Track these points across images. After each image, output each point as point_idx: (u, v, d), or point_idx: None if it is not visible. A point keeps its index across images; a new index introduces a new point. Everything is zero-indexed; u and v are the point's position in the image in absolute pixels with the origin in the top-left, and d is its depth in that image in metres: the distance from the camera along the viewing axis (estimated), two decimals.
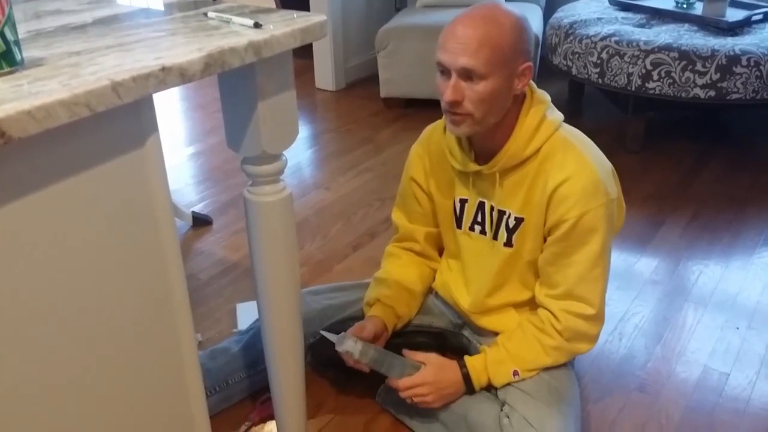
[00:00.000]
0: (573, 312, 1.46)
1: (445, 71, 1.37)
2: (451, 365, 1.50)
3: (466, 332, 1.72)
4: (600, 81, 2.90)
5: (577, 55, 2.96)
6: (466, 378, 1.50)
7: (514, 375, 1.48)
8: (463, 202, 1.57)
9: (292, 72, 1.16)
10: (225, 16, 1.12)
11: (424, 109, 3.39)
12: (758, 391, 1.73)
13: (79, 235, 0.92)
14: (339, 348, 1.51)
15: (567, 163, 1.41)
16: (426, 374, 1.48)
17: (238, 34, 1.05)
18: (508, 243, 1.52)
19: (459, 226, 1.60)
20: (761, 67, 2.65)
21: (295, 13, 1.16)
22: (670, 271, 2.20)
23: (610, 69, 2.84)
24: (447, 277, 1.69)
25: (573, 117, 1.50)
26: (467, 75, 1.34)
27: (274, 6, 4.37)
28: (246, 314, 1.98)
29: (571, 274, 1.44)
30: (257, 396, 1.68)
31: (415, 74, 3.37)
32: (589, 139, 1.49)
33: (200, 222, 2.49)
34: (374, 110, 3.52)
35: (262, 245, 1.26)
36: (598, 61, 2.87)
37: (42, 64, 0.93)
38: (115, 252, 0.98)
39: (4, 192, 0.83)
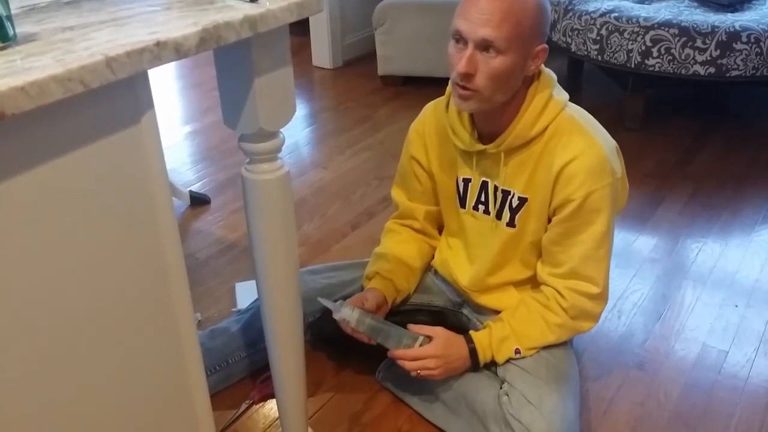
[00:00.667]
0: (578, 290, 1.46)
1: (461, 40, 1.33)
2: (459, 340, 1.50)
3: (466, 310, 1.72)
4: (599, 58, 2.87)
5: (576, 32, 2.93)
6: (473, 353, 1.49)
7: (515, 353, 1.48)
8: (466, 181, 1.56)
9: (288, 47, 1.14)
10: None
11: (423, 86, 3.37)
12: (756, 369, 1.73)
13: (74, 213, 0.91)
14: (336, 315, 1.50)
15: (573, 143, 1.40)
16: (436, 347, 1.47)
17: (233, 8, 1.03)
18: (511, 223, 1.51)
19: (463, 206, 1.59)
20: (761, 44, 2.62)
21: None
22: (669, 249, 2.20)
23: (609, 46, 2.81)
24: (447, 255, 1.68)
25: (572, 95, 1.48)
26: (485, 47, 1.31)
27: None
28: (245, 293, 1.97)
29: (576, 254, 1.44)
30: (257, 375, 1.68)
31: (413, 51, 3.34)
32: (593, 118, 1.47)
33: (198, 201, 2.48)
34: (372, 88, 3.49)
35: (260, 223, 1.25)
36: (598, 38, 2.84)
37: (35, 40, 0.91)
38: (112, 230, 0.97)
39: None
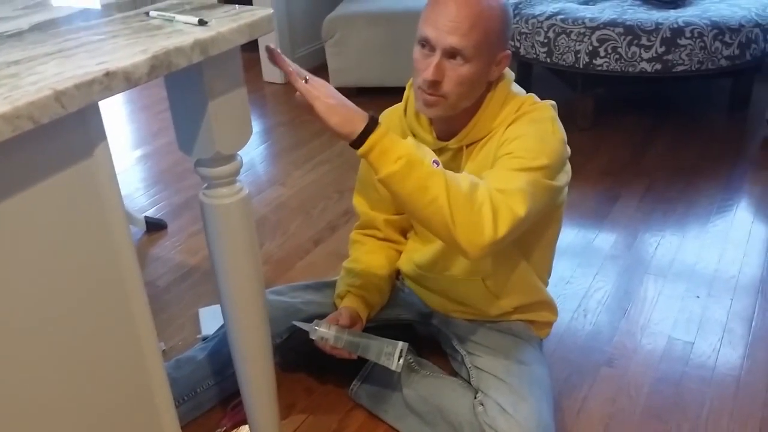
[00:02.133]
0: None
1: (428, 46, 1.32)
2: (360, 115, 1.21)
3: (435, 321, 1.71)
4: (548, 60, 2.91)
5: (524, 36, 2.97)
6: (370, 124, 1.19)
7: (434, 162, 1.26)
8: None
9: (241, 68, 1.13)
10: (167, 14, 1.08)
11: (377, 96, 3.35)
12: (722, 358, 1.76)
13: (29, 253, 0.88)
14: (313, 336, 1.48)
15: (524, 111, 1.40)
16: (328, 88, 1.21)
17: (182, 32, 1.01)
18: None
19: None
20: (704, 38, 2.69)
21: (238, 7, 1.12)
22: (628, 245, 2.23)
23: (557, 48, 2.85)
24: (413, 254, 1.67)
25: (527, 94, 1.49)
26: (452, 55, 1.31)
27: None
28: (209, 319, 1.94)
29: (495, 175, 1.31)
30: (227, 402, 1.65)
31: (365, 62, 3.34)
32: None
33: (154, 227, 2.43)
34: None
35: (222, 249, 1.23)
36: (545, 41, 2.88)
37: None
38: (70, 264, 0.94)
39: None
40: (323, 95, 1.18)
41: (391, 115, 1.60)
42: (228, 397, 1.65)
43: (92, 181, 0.93)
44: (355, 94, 3.46)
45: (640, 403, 1.65)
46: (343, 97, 1.21)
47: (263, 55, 3.72)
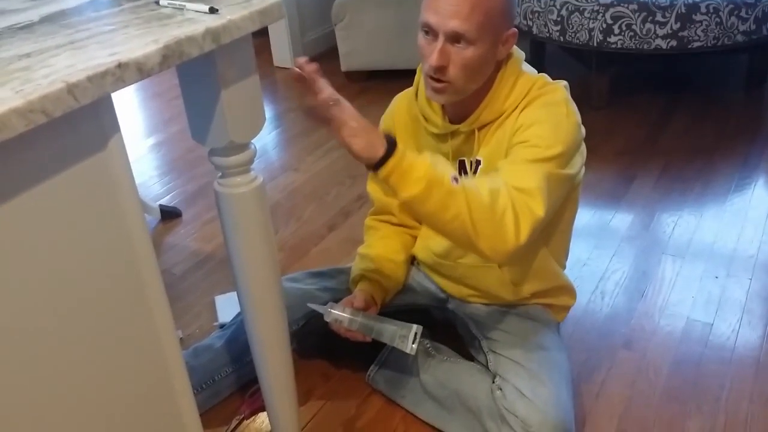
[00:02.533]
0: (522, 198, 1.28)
1: (431, 33, 1.32)
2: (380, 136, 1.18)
3: (451, 305, 1.71)
4: (561, 39, 2.87)
5: (536, 14, 2.93)
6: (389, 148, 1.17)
7: (453, 179, 1.20)
8: None
9: (253, 56, 1.12)
10: (177, 3, 1.07)
11: (388, 80, 3.34)
12: (742, 339, 1.75)
13: (46, 247, 0.88)
14: (327, 318, 1.48)
15: (538, 93, 1.39)
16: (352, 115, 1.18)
17: (193, 21, 1.00)
18: None
19: None
20: (720, 14, 2.64)
21: None
22: (645, 225, 2.21)
23: (570, 26, 2.81)
24: (429, 241, 1.66)
25: (539, 74, 1.47)
26: (456, 39, 1.29)
27: None
28: (225, 306, 1.94)
29: (511, 170, 1.31)
30: (246, 389, 1.65)
31: (375, 45, 3.31)
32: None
33: (169, 215, 2.44)
34: (336, 85, 3.39)
35: (237, 238, 1.22)
36: (558, 19, 2.84)
37: None
38: (87, 260, 0.93)
39: None
40: (349, 118, 1.16)
41: (402, 100, 1.59)
42: (246, 384, 1.65)
43: (106, 173, 0.93)
44: (366, 77, 3.45)
45: (659, 385, 1.64)
46: (364, 120, 1.19)
47: (273, 39, 3.70)
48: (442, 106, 1.47)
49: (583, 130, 1.41)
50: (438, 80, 1.33)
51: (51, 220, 0.88)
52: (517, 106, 1.40)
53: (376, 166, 1.17)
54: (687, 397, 1.60)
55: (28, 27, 1.05)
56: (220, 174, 1.19)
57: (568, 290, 1.64)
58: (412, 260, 1.73)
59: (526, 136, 1.34)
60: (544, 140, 1.32)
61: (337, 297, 1.63)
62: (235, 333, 1.63)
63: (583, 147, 1.43)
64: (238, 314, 1.67)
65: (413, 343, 1.46)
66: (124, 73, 0.87)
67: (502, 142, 1.41)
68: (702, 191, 2.37)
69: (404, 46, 3.23)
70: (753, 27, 2.69)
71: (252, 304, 1.31)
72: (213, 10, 1.02)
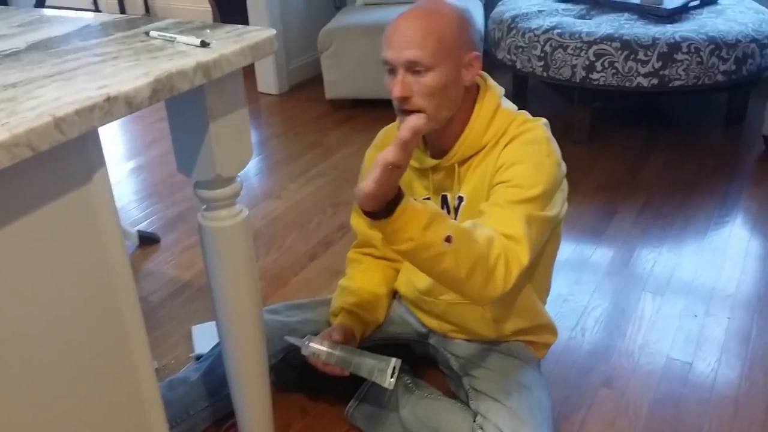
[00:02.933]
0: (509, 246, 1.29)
1: (393, 69, 1.34)
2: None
3: (432, 340, 1.70)
4: (545, 74, 2.90)
5: (521, 49, 2.96)
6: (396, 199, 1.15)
7: (446, 241, 1.18)
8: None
9: (243, 89, 1.11)
10: (168, 35, 1.06)
11: (372, 109, 3.36)
12: (721, 378, 1.75)
13: (26, 279, 0.86)
14: (305, 352, 1.45)
15: (517, 130, 1.40)
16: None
17: (184, 54, 1.00)
18: None
19: None
20: (701, 53, 2.69)
21: (240, 28, 1.11)
22: (625, 261, 2.22)
23: (554, 62, 2.85)
24: (405, 269, 1.65)
25: (519, 110, 1.48)
26: (414, 68, 1.32)
27: (209, 7, 4.27)
28: (202, 336, 1.91)
29: (495, 212, 1.32)
30: (221, 423, 1.62)
31: (360, 74, 3.32)
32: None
33: (147, 240, 2.41)
34: (321, 113, 3.46)
35: (220, 271, 1.21)
36: (542, 54, 2.87)
37: None
38: (66, 292, 0.91)
39: None
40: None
41: (386, 134, 1.60)
42: (221, 419, 1.62)
43: (91, 206, 0.91)
44: (350, 105, 3.46)
45: (639, 425, 1.63)
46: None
47: (258, 64, 3.70)
48: (424, 141, 1.48)
49: (564, 166, 1.42)
50: (407, 112, 1.35)
51: (32, 253, 0.86)
52: (497, 142, 1.41)
53: (376, 214, 1.16)
54: None
55: (14, 55, 1.04)
56: (205, 206, 1.18)
57: (550, 328, 1.63)
58: (394, 294, 1.72)
59: (508, 176, 1.35)
60: (526, 179, 1.33)
61: (316, 330, 1.61)
62: (212, 366, 1.61)
63: (565, 184, 1.44)
64: (216, 345, 1.64)
65: (391, 377, 1.43)
66: (112, 107, 0.86)
67: (484, 179, 1.41)
68: (682, 228, 2.39)
69: None
70: (733, 67, 2.74)
71: (232, 338, 1.29)
72: (204, 44, 1.01)
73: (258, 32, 1.08)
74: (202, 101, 1.04)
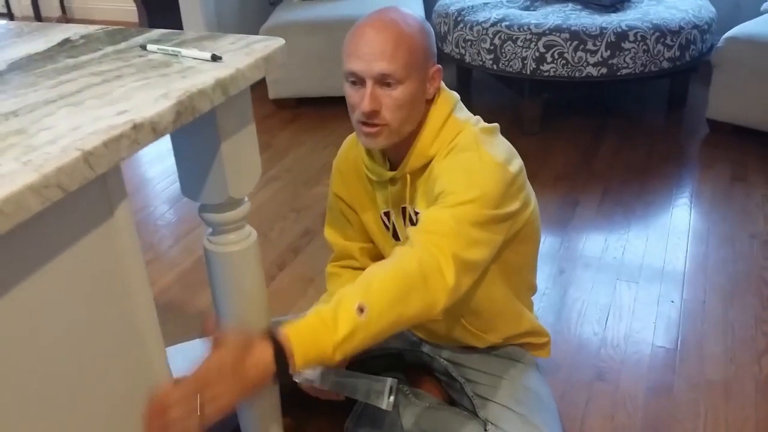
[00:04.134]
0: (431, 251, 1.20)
1: (358, 80, 1.27)
2: (257, 341, 1.02)
3: (426, 348, 1.65)
4: (495, 67, 2.90)
5: (469, 43, 2.94)
6: (279, 353, 1.03)
7: (359, 311, 1.09)
8: (387, 214, 1.50)
9: (251, 104, 1.03)
10: (170, 49, 0.97)
11: (318, 106, 3.27)
12: (707, 363, 1.78)
13: (52, 329, 0.77)
14: (297, 378, 1.39)
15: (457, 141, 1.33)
16: (218, 357, 0.99)
17: (196, 70, 0.91)
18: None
19: (397, 239, 1.52)
20: (647, 41, 2.74)
21: (244, 38, 1.03)
22: (597, 252, 2.23)
23: (503, 54, 2.84)
24: None
25: (464, 103, 1.43)
26: (384, 81, 1.25)
27: (133, 6, 4.07)
28: (176, 358, 1.80)
29: (424, 219, 1.26)
30: None
31: (304, 72, 3.24)
32: (505, 141, 1.39)
33: None
34: (266, 113, 3.36)
35: (231, 298, 1.13)
36: (492, 47, 2.86)
37: None
38: (92, 333, 0.82)
39: None
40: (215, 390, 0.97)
41: (348, 145, 1.53)
42: None
43: (114, 241, 0.82)
44: (295, 105, 3.37)
45: (638, 417, 1.64)
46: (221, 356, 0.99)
47: None
48: (383, 152, 1.43)
49: (516, 163, 1.34)
50: (372, 125, 1.29)
51: (57, 301, 0.76)
52: (449, 153, 1.34)
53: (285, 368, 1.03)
54: (666, 427, 1.61)
55: None
56: (211, 230, 1.10)
57: (539, 332, 1.61)
58: None
59: (440, 187, 1.28)
60: (459, 185, 1.25)
61: None
62: None
63: (524, 181, 1.38)
64: None
65: (389, 397, 1.38)
66: (138, 136, 0.77)
67: (429, 192, 1.35)
68: (644, 214, 2.42)
69: (333, 73, 3.17)
70: (677, 54, 2.80)
71: None
72: (216, 58, 0.93)
73: (266, 42, 1.01)
74: (213, 120, 0.96)
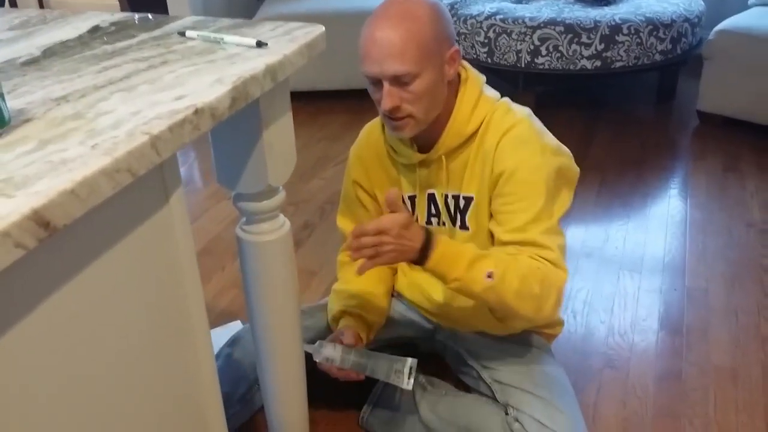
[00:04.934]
0: (538, 254, 1.35)
1: (376, 82, 1.29)
2: (415, 226, 1.26)
3: (440, 336, 1.66)
4: (489, 60, 2.91)
5: (463, 36, 2.95)
6: (425, 247, 1.26)
7: (487, 276, 1.27)
8: (412, 199, 1.50)
9: (289, 92, 1.03)
10: (212, 35, 0.96)
11: (311, 101, 3.25)
12: (714, 349, 1.81)
13: (111, 320, 0.76)
14: (317, 358, 1.38)
15: (505, 121, 1.38)
16: (397, 219, 1.23)
17: (243, 57, 0.90)
18: (463, 225, 1.46)
19: None
20: (641, 34, 2.77)
21: (284, 24, 1.02)
22: (598, 242, 2.26)
23: (498, 47, 2.85)
24: (413, 278, 1.61)
25: (502, 97, 1.47)
26: (399, 79, 1.27)
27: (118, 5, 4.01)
28: None
29: (517, 225, 1.36)
30: None
31: None
32: (533, 114, 1.45)
33: None
34: None
35: (264, 287, 1.12)
36: (486, 41, 2.87)
37: (30, 119, 0.74)
38: (146, 321, 0.81)
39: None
40: (387, 243, 1.24)
41: (370, 131, 1.54)
42: None
43: (168, 229, 0.81)
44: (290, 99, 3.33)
45: (649, 402, 1.66)
46: (398, 219, 1.24)
47: None
48: (411, 137, 1.43)
49: (566, 151, 1.45)
50: (397, 118, 1.31)
51: (116, 291, 0.75)
52: (485, 133, 1.37)
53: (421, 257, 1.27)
54: (678, 413, 1.63)
55: (34, 63, 0.91)
56: (245, 219, 1.09)
57: (558, 320, 1.63)
58: (392, 292, 1.67)
59: (509, 190, 1.36)
60: (527, 191, 1.35)
61: (315, 337, 1.55)
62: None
63: (573, 169, 1.47)
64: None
65: (410, 377, 1.38)
66: (199, 120, 0.76)
67: (483, 181, 1.39)
68: (642, 204, 2.45)
69: (326, 67, 3.16)
70: (669, 47, 2.84)
71: (273, 354, 1.21)
72: (261, 44, 0.92)
73: (306, 29, 1.00)
74: (256, 107, 0.95)
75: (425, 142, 1.41)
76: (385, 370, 1.39)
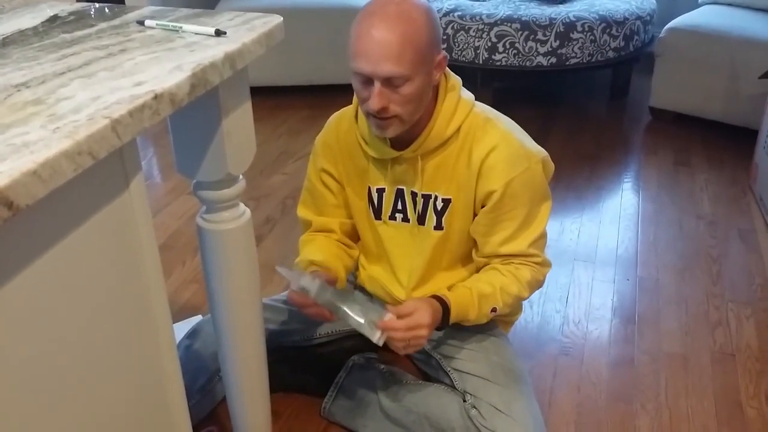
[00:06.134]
0: (527, 261, 1.50)
1: (366, 78, 1.29)
2: (434, 303, 1.40)
3: None
4: (448, 56, 2.94)
5: None
6: (445, 313, 1.41)
7: (492, 311, 1.46)
8: (380, 192, 1.52)
9: (248, 80, 1.04)
10: (170, 24, 0.97)
11: (270, 96, 3.26)
12: (664, 337, 1.87)
13: (73, 303, 0.76)
14: (293, 286, 1.32)
15: (488, 137, 1.41)
16: (423, 315, 1.35)
17: (203, 45, 0.92)
18: (438, 226, 1.50)
19: (378, 217, 1.55)
20: (594, 32, 2.83)
21: (242, 15, 1.04)
22: (554, 234, 2.31)
23: (456, 44, 2.89)
24: (372, 272, 1.63)
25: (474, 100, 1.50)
26: (391, 81, 1.28)
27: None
28: None
29: (500, 239, 1.46)
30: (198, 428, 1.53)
31: (254, 61, 3.19)
32: (500, 113, 1.49)
33: None
34: None
35: (224, 276, 1.13)
36: (444, 37, 2.91)
37: None
38: (108, 306, 0.82)
39: None
40: (422, 336, 1.36)
41: (339, 121, 1.54)
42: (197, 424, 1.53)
43: (128, 215, 0.82)
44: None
45: (602, 388, 1.72)
46: (422, 315, 1.35)
47: None
48: None
49: (542, 151, 1.47)
50: (383, 118, 1.32)
51: (76, 275, 0.76)
52: (462, 135, 1.41)
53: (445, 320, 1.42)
54: (631, 398, 1.69)
55: None
56: (205, 208, 1.10)
57: (518, 308, 1.67)
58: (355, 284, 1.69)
59: (502, 207, 1.43)
60: (520, 202, 1.43)
61: (278, 330, 1.55)
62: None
63: (547, 159, 1.49)
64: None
65: (382, 333, 1.32)
66: (159, 106, 0.77)
67: (453, 175, 1.43)
68: (595, 198, 2.52)
69: (288, 62, 3.17)
70: (622, 44, 2.91)
71: (235, 343, 1.22)
72: (219, 33, 0.94)
73: (265, 19, 1.02)
74: (215, 95, 0.96)
75: (400, 139, 1.43)
76: (358, 318, 1.32)
